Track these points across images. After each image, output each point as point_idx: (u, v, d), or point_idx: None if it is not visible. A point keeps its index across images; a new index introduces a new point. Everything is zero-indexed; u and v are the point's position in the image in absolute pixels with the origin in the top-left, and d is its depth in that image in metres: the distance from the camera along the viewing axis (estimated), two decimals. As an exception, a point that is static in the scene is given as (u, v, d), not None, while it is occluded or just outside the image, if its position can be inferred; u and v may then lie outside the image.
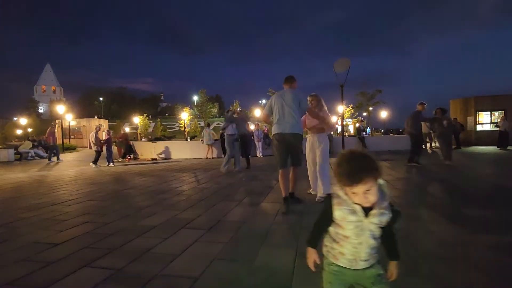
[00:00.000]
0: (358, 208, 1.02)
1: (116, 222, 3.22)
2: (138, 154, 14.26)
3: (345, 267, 1.08)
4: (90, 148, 10.83)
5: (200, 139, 13.96)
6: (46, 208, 4.05)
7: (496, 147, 12.86)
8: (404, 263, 1.56)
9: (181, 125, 43.82)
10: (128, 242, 2.58)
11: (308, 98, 4.26)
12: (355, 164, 0.98)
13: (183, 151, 14.05)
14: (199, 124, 46.43)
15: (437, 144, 10.10)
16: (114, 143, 12.55)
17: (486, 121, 15.28)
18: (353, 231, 1.04)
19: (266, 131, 14.49)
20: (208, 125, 14.18)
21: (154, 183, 6.10)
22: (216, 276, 1.91)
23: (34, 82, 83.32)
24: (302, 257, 2.12)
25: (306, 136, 4.34)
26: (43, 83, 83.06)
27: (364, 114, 39.39)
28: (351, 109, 37.56)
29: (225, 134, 7.93)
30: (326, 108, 4.26)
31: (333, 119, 18.94)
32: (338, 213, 1.05)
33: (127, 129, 42.80)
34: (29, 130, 41.99)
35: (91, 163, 10.34)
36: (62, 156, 14.10)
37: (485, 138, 14.76)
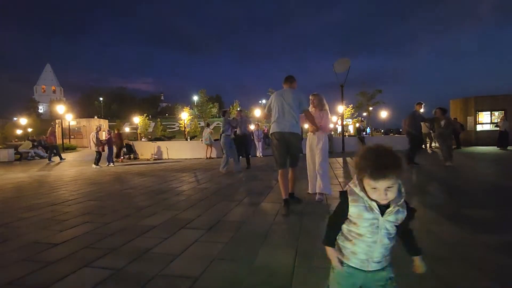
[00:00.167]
0: (374, 205, 0.99)
1: (116, 222, 3.22)
2: (138, 154, 14.28)
3: (356, 268, 1.05)
4: (91, 148, 10.82)
5: (200, 139, 13.98)
6: (46, 208, 4.05)
7: (496, 147, 12.87)
8: (404, 263, 1.56)
9: (181, 125, 43.77)
10: (128, 242, 2.58)
11: (310, 97, 4.26)
12: (382, 159, 0.95)
13: (183, 151, 14.06)
14: (199, 124, 46.40)
15: (437, 144, 10.08)
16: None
17: (486, 121, 15.28)
18: (368, 229, 1.01)
19: (266, 131, 14.49)
20: (208, 125, 14.19)
21: (154, 183, 6.10)
22: (216, 276, 1.91)
23: (34, 82, 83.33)
24: (302, 257, 2.13)
25: (307, 135, 4.35)
26: (43, 83, 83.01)
27: (364, 114, 39.36)
28: (351, 109, 37.54)
29: (221, 134, 7.95)
30: (327, 107, 4.26)
31: (333, 119, 19.00)
32: (353, 210, 1.02)
33: (127, 129, 42.88)
34: (29, 130, 42.00)
35: (93, 165, 10.35)
36: (62, 156, 14.08)
37: (485, 138, 14.75)
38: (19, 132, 42.57)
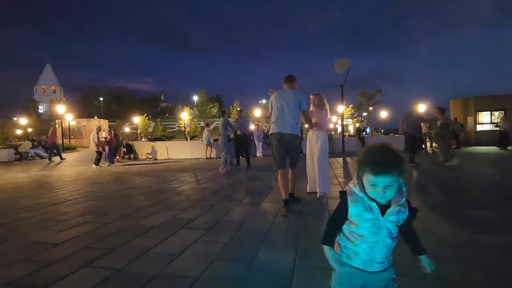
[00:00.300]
0: (374, 205, 0.99)
1: (116, 222, 3.22)
2: (138, 154, 14.29)
3: (358, 269, 1.04)
4: (91, 148, 10.81)
5: (201, 139, 13.99)
6: (46, 208, 4.05)
7: (496, 147, 12.87)
8: (404, 263, 1.56)
9: (181, 125, 43.76)
10: (128, 242, 2.58)
11: (311, 96, 4.27)
12: (384, 155, 0.96)
13: (183, 151, 14.06)
14: (199, 124, 46.39)
15: (436, 144, 10.06)
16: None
17: (486, 121, 15.28)
18: (369, 230, 1.00)
19: (266, 131, 14.49)
20: (208, 125, 14.20)
21: (154, 183, 6.10)
22: (216, 276, 1.91)
23: (34, 82, 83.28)
24: (302, 257, 2.13)
25: (307, 134, 4.36)
26: (43, 83, 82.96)
27: (364, 114, 39.37)
28: (351, 109, 37.55)
29: (220, 134, 7.97)
30: (327, 107, 4.27)
31: (333, 119, 19.01)
32: (353, 210, 1.02)
33: (127, 129, 42.89)
34: (29, 130, 41.99)
35: (93, 165, 10.35)
36: (62, 156, 14.07)
37: (485, 138, 14.76)
38: (19, 132, 42.54)
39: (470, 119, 15.52)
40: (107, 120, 45.73)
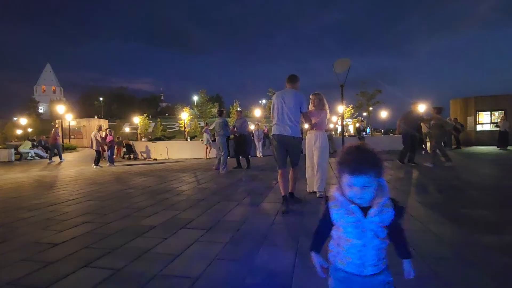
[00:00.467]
0: (355, 208, 0.98)
1: (116, 222, 3.22)
2: (138, 154, 14.31)
3: (353, 273, 1.02)
4: (91, 147, 10.80)
5: (201, 139, 14.01)
6: (46, 208, 4.05)
7: (496, 147, 12.88)
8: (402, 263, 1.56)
9: (181, 125, 43.76)
10: (128, 242, 2.58)
11: (311, 96, 4.29)
12: (360, 155, 0.97)
13: (183, 151, 14.06)
14: (199, 124, 46.39)
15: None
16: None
17: (486, 121, 15.28)
18: (354, 233, 1.00)
19: (266, 131, 14.50)
20: (207, 124, 14.22)
21: (154, 183, 6.10)
22: (216, 276, 1.91)
23: (34, 82, 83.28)
24: (302, 257, 2.13)
25: (306, 134, 4.37)
26: (43, 83, 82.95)
27: (364, 114, 39.38)
28: (351, 109, 37.57)
29: (217, 135, 7.99)
30: (327, 107, 4.29)
31: (333, 119, 19.02)
32: (335, 215, 1.02)
33: (126, 129, 42.87)
34: (29, 130, 42.00)
35: (93, 165, 10.35)
36: (62, 156, 14.08)
37: (485, 138, 14.75)
38: (19, 132, 42.54)
39: (470, 119, 15.52)
40: (107, 120, 45.72)
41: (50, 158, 13.20)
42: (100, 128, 11.11)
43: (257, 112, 32.94)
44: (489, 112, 15.22)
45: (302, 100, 3.69)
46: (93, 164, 10.33)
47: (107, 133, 11.20)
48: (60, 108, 23.23)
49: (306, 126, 4.26)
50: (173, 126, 54.75)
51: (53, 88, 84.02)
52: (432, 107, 7.91)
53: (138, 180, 6.73)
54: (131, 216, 3.46)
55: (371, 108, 38.31)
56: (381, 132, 44.17)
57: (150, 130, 48.48)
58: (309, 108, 4.20)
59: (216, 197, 4.47)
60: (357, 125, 17.58)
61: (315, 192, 4.16)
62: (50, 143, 13.76)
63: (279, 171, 3.64)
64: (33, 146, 16.19)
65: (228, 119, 8.11)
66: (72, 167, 10.90)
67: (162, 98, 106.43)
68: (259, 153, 13.20)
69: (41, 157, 15.36)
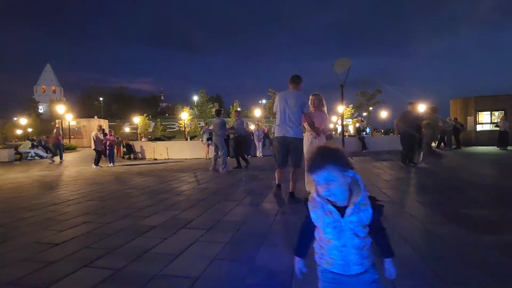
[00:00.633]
0: (332, 208, 0.98)
1: (116, 222, 3.22)
2: (138, 154, 14.30)
3: (339, 274, 1.02)
4: (92, 147, 10.81)
5: (201, 139, 14.01)
6: (46, 208, 4.05)
7: (496, 147, 12.88)
8: (404, 263, 1.56)
9: (181, 125, 43.75)
10: (128, 242, 2.58)
11: (310, 97, 4.29)
12: (315, 153, 1.00)
13: (183, 151, 14.06)
14: (199, 124, 46.38)
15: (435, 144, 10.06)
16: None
17: (486, 121, 15.29)
18: (332, 233, 0.99)
19: (266, 131, 14.50)
20: (207, 124, 14.22)
21: (154, 183, 6.10)
22: (216, 276, 1.91)
23: (34, 82, 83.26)
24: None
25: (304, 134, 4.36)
26: (43, 83, 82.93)
27: (364, 114, 39.38)
28: (351, 109, 37.56)
29: (215, 133, 8.00)
30: (326, 108, 4.29)
31: (333, 119, 18.99)
32: (314, 215, 1.02)
33: (126, 129, 42.86)
34: (29, 130, 42.00)
35: (93, 165, 10.35)
36: (63, 156, 14.09)
37: (485, 138, 14.75)
38: (19, 132, 42.57)
39: (470, 119, 15.52)
40: (107, 120, 45.67)
41: (52, 158, 13.20)
42: (100, 128, 11.12)
43: (257, 112, 32.93)
44: (489, 112, 15.22)
45: (304, 101, 3.73)
46: (93, 164, 10.34)
47: (109, 133, 11.24)
48: (60, 108, 23.26)
49: (306, 125, 4.26)
50: (173, 126, 54.69)
51: (53, 88, 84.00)
52: (430, 107, 8.01)
53: (138, 180, 6.73)
54: (131, 216, 3.46)
55: (371, 108, 38.32)
56: (381, 132, 44.16)
57: (150, 130, 48.45)
58: (309, 109, 4.21)
59: (216, 197, 4.47)
60: (357, 125, 17.58)
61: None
62: (53, 142, 13.76)
63: (277, 170, 3.70)
64: (33, 146, 16.20)
65: (228, 119, 8.13)
66: (72, 167, 10.90)
67: (162, 98, 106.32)
68: (259, 153, 13.20)
69: (41, 157, 15.37)
